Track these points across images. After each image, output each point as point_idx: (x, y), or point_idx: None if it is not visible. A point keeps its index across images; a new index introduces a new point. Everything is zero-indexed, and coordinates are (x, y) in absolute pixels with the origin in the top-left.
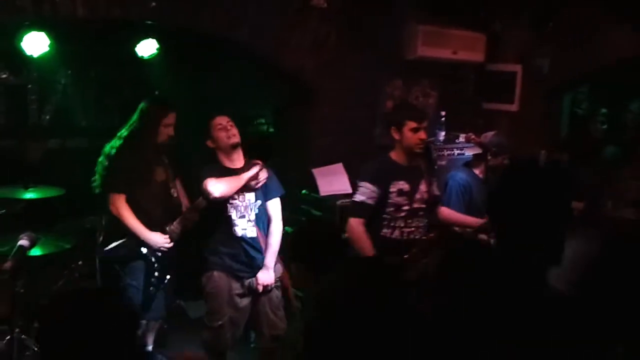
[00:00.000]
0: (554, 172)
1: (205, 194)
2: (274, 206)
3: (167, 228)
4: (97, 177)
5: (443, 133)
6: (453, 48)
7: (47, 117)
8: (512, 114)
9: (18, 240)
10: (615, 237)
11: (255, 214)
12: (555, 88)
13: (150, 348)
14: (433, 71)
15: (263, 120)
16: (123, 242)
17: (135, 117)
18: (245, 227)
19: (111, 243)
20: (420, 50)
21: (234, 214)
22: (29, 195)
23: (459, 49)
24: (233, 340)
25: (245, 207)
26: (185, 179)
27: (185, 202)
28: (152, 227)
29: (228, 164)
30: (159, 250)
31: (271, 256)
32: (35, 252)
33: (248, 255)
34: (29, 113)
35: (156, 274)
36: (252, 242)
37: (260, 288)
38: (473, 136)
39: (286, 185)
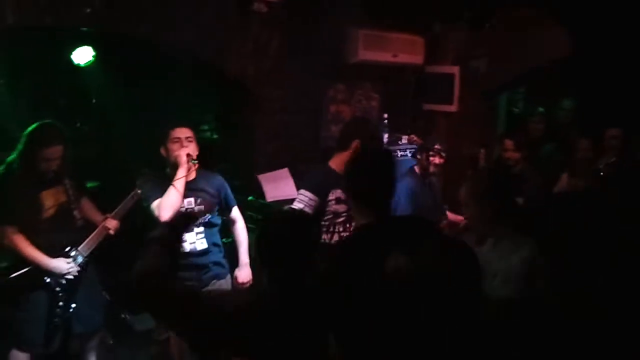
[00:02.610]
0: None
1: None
2: (234, 212)
3: (71, 253)
4: None
5: (386, 135)
6: (393, 51)
7: None
8: (451, 114)
9: None
10: None
11: (203, 224)
12: (492, 88)
13: None
14: (374, 74)
15: (206, 127)
16: (25, 271)
17: (20, 141)
18: (193, 241)
19: (11, 274)
20: (361, 54)
21: None
22: None
23: (399, 52)
24: (181, 355)
25: None
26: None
27: (97, 219)
28: (53, 253)
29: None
30: (63, 277)
31: (245, 253)
32: None
33: (197, 267)
34: None
35: (61, 303)
36: (201, 254)
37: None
38: (415, 137)
39: (232, 192)
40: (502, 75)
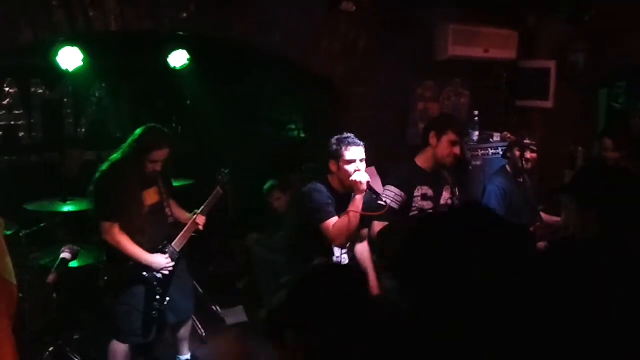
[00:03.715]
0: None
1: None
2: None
3: (167, 249)
4: (90, 203)
5: (477, 133)
6: (484, 46)
7: (83, 130)
8: (547, 110)
9: (60, 253)
10: None
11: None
12: (591, 83)
13: (188, 357)
14: (465, 70)
15: (294, 126)
16: (124, 267)
17: (128, 143)
18: (339, 255)
19: (112, 269)
20: (451, 50)
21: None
22: (68, 207)
23: (491, 47)
24: None
25: None
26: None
27: (182, 216)
28: (150, 249)
29: (339, 188)
30: (160, 272)
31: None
32: (74, 263)
33: None
34: (65, 126)
35: (157, 297)
36: None
37: None
38: (509, 135)
39: None
40: (602, 69)
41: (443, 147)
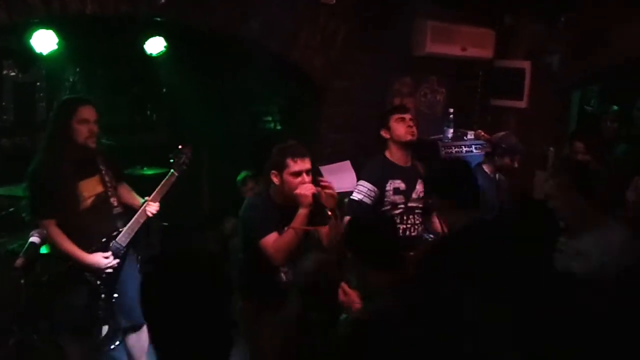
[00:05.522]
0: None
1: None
2: None
3: (109, 246)
4: (24, 201)
5: (451, 130)
6: (462, 44)
7: None
8: (520, 110)
9: (29, 237)
10: None
11: None
12: (565, 85)
13: None
14: (442, 68)
15: (270, 118)
16: (65, 268)
17: (49, 123)
18: (284, 271)
19: (52, 269)
20: (429, 47)
21: None
22: None
23: (468, 46)
24: None
25: None
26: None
27: (135, 202)
28: (92, 245)
29: (280, 201)
30: (103, 271)
31: None
32: (44, 250)
33: None
34: (38, 110)
35: (103, 296)
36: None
37: None
38: (482, 133)
39: None
40: (577, 72)
41: (395, 128)
